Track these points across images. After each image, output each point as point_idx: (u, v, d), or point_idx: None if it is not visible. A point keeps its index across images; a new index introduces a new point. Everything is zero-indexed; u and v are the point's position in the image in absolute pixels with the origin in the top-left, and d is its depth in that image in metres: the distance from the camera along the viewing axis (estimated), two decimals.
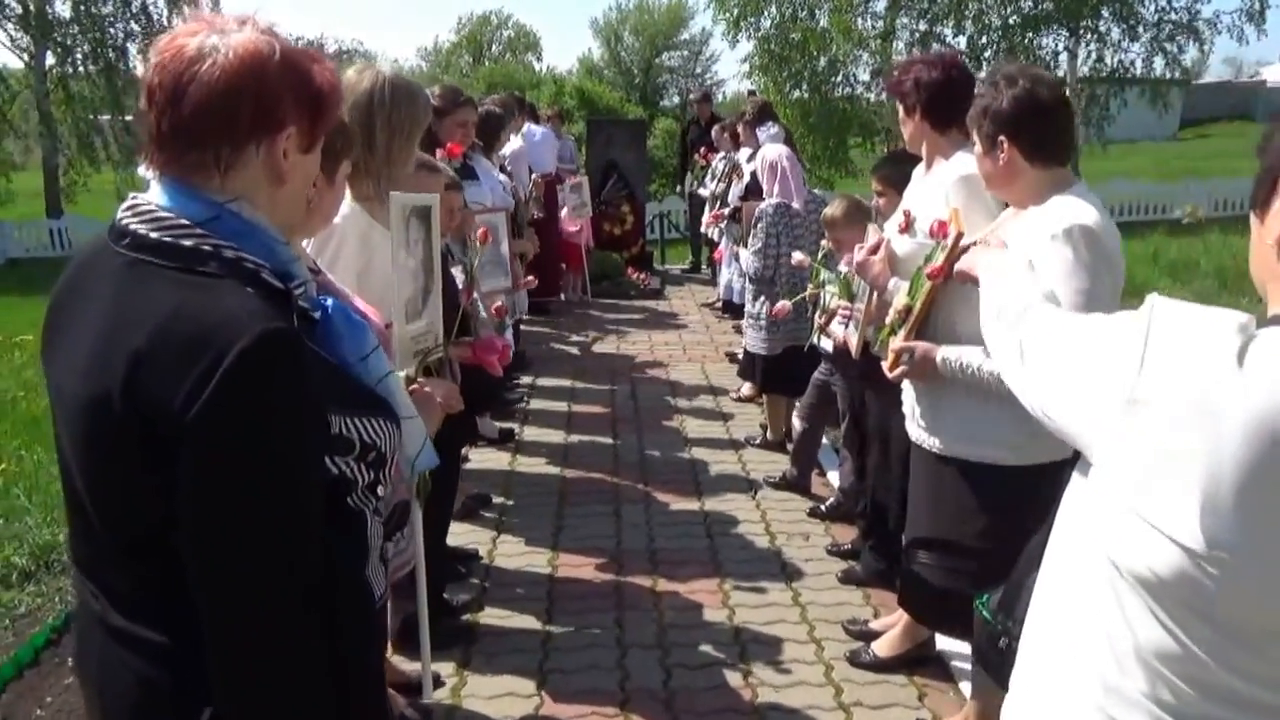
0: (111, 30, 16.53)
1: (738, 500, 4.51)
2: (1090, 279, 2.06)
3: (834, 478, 4.57)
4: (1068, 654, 1.19)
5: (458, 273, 3.16)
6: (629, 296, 9.27)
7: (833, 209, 3.90)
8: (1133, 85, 15.15)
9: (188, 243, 1.15)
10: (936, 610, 2.62)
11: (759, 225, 4.91)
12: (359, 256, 2.31)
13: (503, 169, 5.92)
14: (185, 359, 1.05)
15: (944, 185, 2.79)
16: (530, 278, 4.69)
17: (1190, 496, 0.99)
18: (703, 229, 8.91)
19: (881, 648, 3.16)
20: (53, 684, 3.09)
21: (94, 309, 1.15)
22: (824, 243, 4.00)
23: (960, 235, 2.29)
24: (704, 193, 8.55)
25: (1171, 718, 1.08)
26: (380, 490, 1.32)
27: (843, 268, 3.50)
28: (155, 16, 16.65)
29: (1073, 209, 2.17)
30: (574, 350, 7.46)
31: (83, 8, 16.02)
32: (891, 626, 3.22)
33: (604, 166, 9.83)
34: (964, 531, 2.39)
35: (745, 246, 5.20)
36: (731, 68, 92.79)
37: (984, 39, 14.33)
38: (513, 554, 3.96)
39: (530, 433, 5.49)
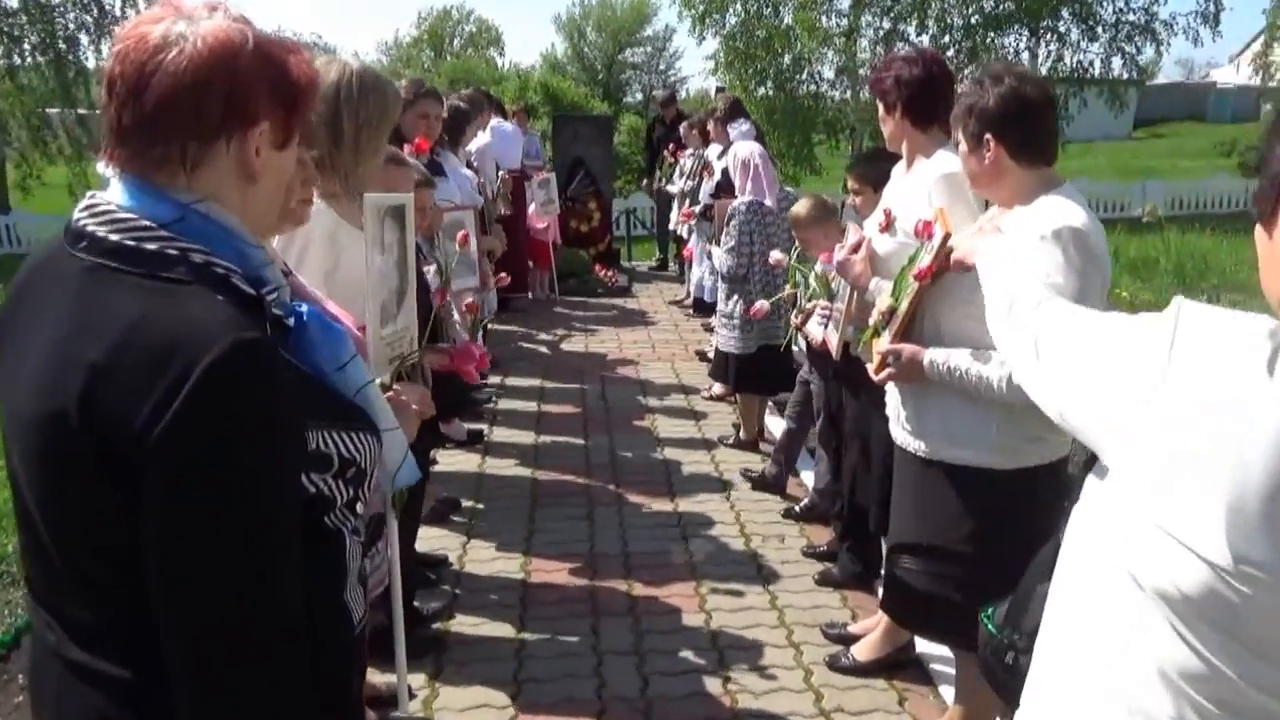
0: (61, 21, 16.07)
1: (712, 501, 4.47)
2: (1080, 281, 2.03)
3: (808, 478, 4.54)
4: (1085, 672, 1.15)
5: (430, 272, 3.07)
6: (596, 294, 9.19)
7: (799, 208, 3.87)
8: (1092, 85, 15.35)
9: (151, 246, 1.06)
10: (922, 616, 2.59)
11: (731, 223, 4.87)
12: (327, 256, 2.22)
13: (469, 165, 5.81)
14: (148, 372, 0.96)
15: (926, 184, 2.75)
16: (502, 274, 4.61)
17: (1214, 507, 0.95)
18: (671, 226, 8.86)
19: (861, 652, 3.13)
20: (1, 702, 2.96)
21: (48, 318, 1.06)
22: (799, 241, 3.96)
23: (949, 236, 2.25)
24: (673, 190, 8.50)
25: None
26: (359, 508, 1.24)
27: (819, 267, 3.46)
28: (108, 7, 16.21)
29: (1060, 210, 2.14)
30: (543, 349, 7.37)
31: None
32: (870, 630, 3.20)
33: (570, 163, 9.73)
34: (950, 536, 2.36)
35: (717, 245, 5.16)
36: (696, 64, 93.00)
37: (946, 38, 14.42)
38: (484, 559, 3.88)
39: (500, 434, 5.40)
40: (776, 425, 5.05)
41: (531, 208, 8.24)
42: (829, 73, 15.39)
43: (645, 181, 11.51)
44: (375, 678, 2.89)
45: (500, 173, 7.24)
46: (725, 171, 5.86)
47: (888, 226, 2.86)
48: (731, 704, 2.94)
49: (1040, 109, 2.22)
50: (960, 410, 2.31)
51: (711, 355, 5.78)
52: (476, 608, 3.49)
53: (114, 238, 1.07)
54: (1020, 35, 14.98)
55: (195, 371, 0.95)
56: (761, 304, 3.88)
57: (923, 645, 3.12)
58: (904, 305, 2.37)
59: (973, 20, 14.41)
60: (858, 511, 3.49)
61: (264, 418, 1.01)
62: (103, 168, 1.16)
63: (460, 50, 40.48)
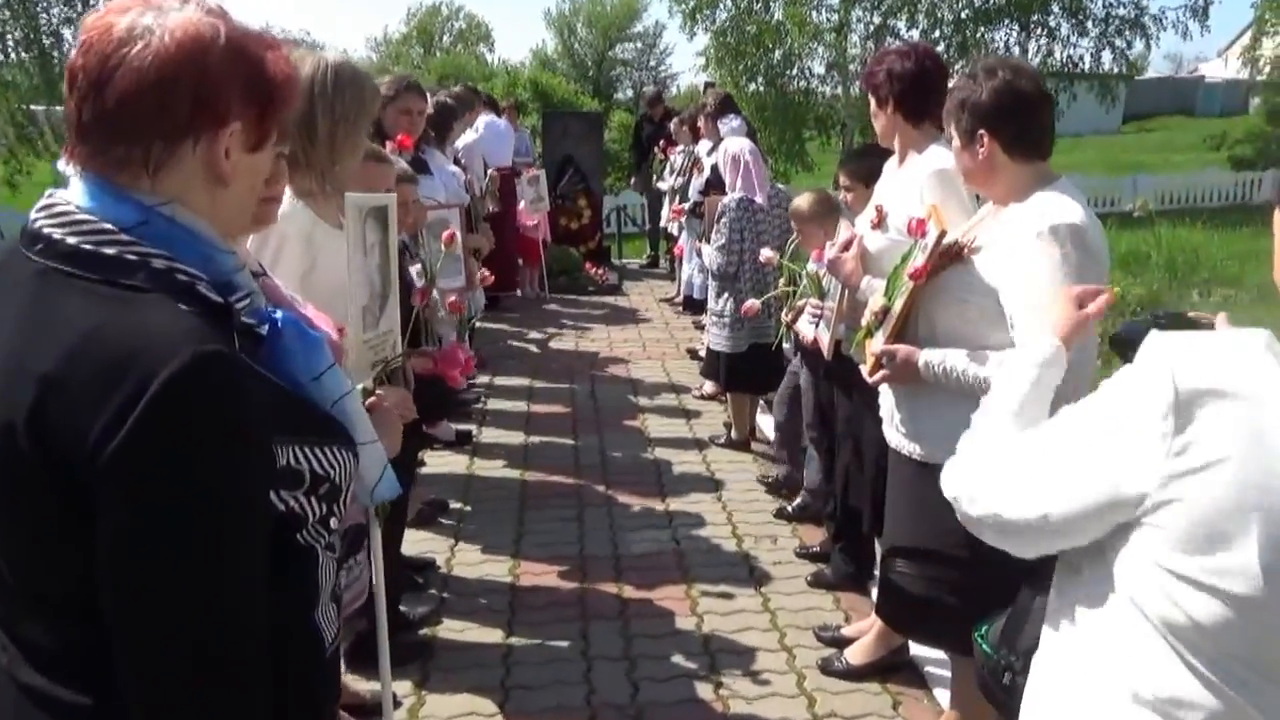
0: (45, 17, 15.92)
1: (704, 501, 4.42)
2: (1078, 279, 1.98)
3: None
4: (1085, 699, 1.11)
5: (414, 271, 3.02)
6: (587, 292, 9.14)
7: (800, 201, 3.80)
8: (1082, 80, 15.36)
9: (110, 250, 1.00)
10: (916, 620, 2.55)
11: (722, 220, 4.82)
12: (304, 257, 2.15)
13: (456, 161, 5.74)
14: (102, 386, 0.91)
15: (918, 180, 2.72)
16: (484, 271, 4.54)
17: (1248, 543, 0.92)
18: (662, 224, 8.80)
19: (854, 655, 3.09)
20: None
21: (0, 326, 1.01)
22: (792, 238, 3.91)
23: (943, 233, 2.20)
24: (663, 186, 8.45)
25: None
26: (333, 523, 1.19)
27: (812, 265, 3.42)
28: (92, 2, 16.06)
29: (1057, 206, 2.10)
30: (532, 348, 7.32)
31: None
32: (863, 633, 3.15)
33: (560, 160, 9.67)
34: (946, 541, 2.31)
35: (707, 242, 5.11)
36: (686, 60, 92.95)
37: (936, 33, 14.40)
38: (472, 562, 3.83)
39: (488, 434, 5.34)
40: (768, 424, 5.00)
41: (521, 205, 8.16)
42: (819, 68, 15.36)
43: (634, 179, 11.46)
44: (359, 685, 2.84)
45: (489, 170, 7.17)
46: (715, 168, 5.80)
47: (879, 223, 2.82)
48: (724, 710, 2.89)
49: (1035, 103, 2.18)
50: (956, 412, 2.24)
51: (703, 353, 5.74)
52: (464, 612, 3.43)
53: (71, 241, 1.01)
54: (1011, 30, 14.99)
55: (152, 385, 0.90)
56: (752, 303, 3.84)
57: (916, 648, 3.08)
58: (898, 305, 2.32)
59: (963, 15, 14.40)
60: (850, 512, 3.45)
61: (225, 434, 0.95)
62: (63, 165, 1.10)
63: (450, 46, 40.26)
